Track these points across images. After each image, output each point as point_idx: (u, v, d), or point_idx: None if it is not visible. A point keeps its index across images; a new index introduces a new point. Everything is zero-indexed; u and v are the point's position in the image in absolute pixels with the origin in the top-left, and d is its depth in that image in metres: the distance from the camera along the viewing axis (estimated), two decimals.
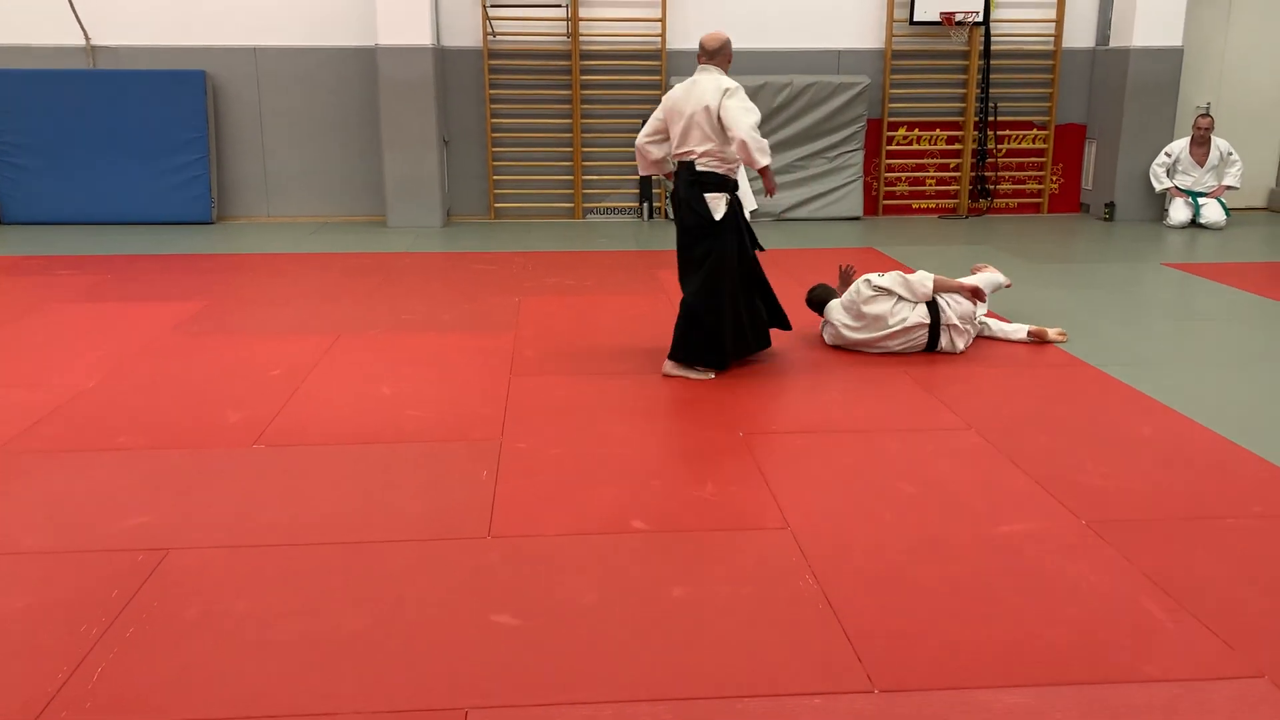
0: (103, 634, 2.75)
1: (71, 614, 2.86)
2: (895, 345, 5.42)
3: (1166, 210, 9.94)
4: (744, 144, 4.73)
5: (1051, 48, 10.30)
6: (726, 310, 5.01)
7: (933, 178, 10.56)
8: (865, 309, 5.41)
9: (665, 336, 5.76)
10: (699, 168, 4.93)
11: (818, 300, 5.70)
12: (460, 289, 7.11)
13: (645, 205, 10.15)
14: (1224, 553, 3.26)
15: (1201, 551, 3.26)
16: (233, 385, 4.93)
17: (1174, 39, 9.80)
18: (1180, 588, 3.02)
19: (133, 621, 2.82)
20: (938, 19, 9.87)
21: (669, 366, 5.11)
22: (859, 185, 10.16)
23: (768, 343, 5.34)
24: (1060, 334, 5.69)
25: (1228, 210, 9.81)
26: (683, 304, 5.10)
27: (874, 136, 10.33)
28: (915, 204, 10.60)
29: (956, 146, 10.48)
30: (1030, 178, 10.63)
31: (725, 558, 3.24)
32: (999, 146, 10.47)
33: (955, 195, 10.59)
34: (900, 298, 5.39)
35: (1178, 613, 2.88)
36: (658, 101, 9.95)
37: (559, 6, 9.75)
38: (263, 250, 8.57)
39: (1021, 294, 6.90)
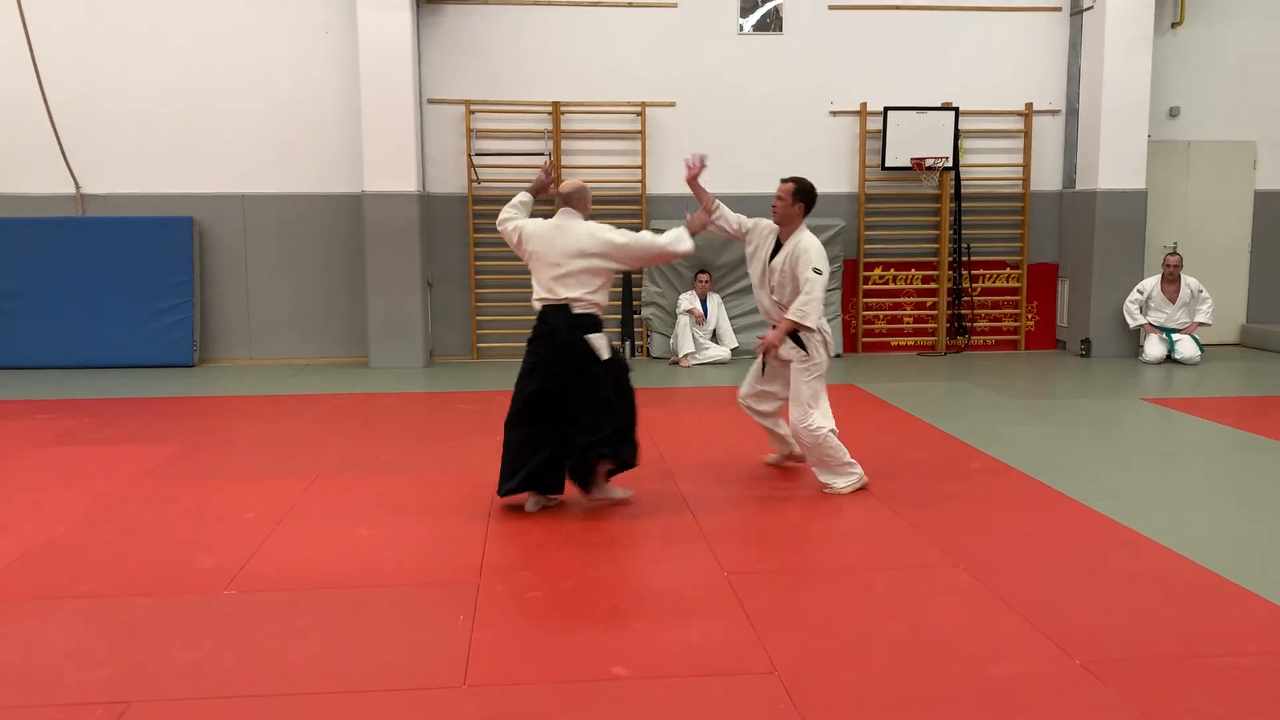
0: None
1: None
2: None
3: (1142, 346, 10.09)
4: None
5: (1020, 190, 10.63)
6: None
7: (910, 316, 10.72)
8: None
9: (650, 476, 5.72)
10: (576, 310, 4.99)
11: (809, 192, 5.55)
12: (441, 429, 7.07)
13: (627, 343, 10.22)
14: (1222, 693, 3.16)
15: (1200, 692, 3.17)
16: (206, 530, 4.82)
17: (1137, 182, 10.14)
18: None
19: None
20: (908, 164, 10.19)
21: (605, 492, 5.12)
22: (837, 324, 10.30)
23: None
24: None
25: (1201, 346, 9.97)
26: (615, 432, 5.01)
27: (851, 276, 10.53)
28: (894, 341, 10.72)
29: (932, 285, 10.68)
30: (1006, 315, 10.81)
31: (711, 705, 3.12)
32: (974, 285, 10.68)
33: (933, 333, 10.74)
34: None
35: None
36: None
37: (542, 155, 10.03)
38: (242, 393, 8.54)
39: (1004, 430, 6.92)
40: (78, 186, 9.76)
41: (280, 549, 4.54)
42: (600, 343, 5.01)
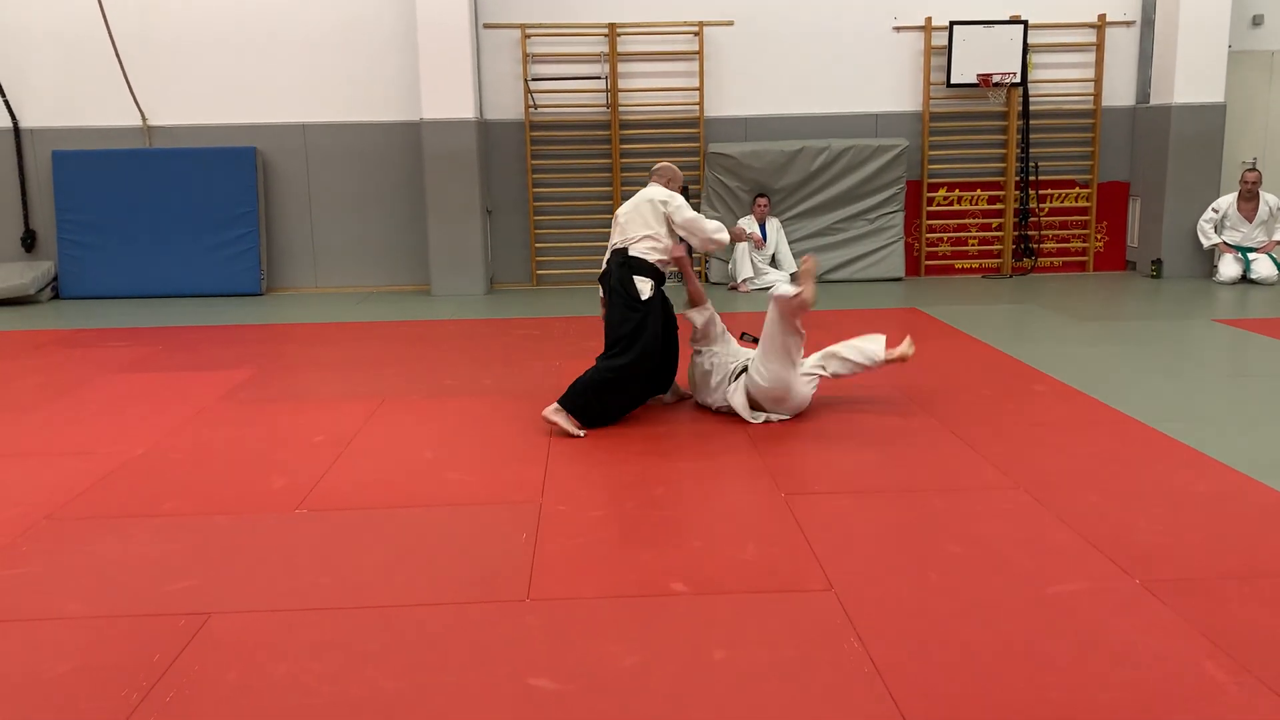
0: (143, 699, 2.75)
1: (113, 678, 2.86)
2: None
3: (1216, 266, 9.81)
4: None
5: (1091, 106, 10.29)
6: (630, 385, 5.28)
7: (975, 238, 10.52)
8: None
9: None
10: (632, 253, 5.33)
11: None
12: (502, 354, 7.16)
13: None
14: None
15: (1263, 611, 3.14)
16: (277, 452, 4.98)
17: (1215, 95, 9.76)
18: (1242, 649, 2.90)
19: (173, 686, 2.82)
20: (975, 81, 9.91)
21: (551, 411, 5.18)
22: (900, 246, 10.15)
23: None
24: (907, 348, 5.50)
25: (1279, 265, 9.65)
26: (599, 368, 5.28)
27: (914, 197, 10.34)
28: (958, 264, 10.55)
29: (998, 206, 10.45)
30: (1074, 236, 10.55)
31: (767, 620, 3.18)
32: (1041, 205, 10.43)
33: (998, 255, 10.53)
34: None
35: (1241, 675, 2.77)
36: (697, 167, 10.16)
37: (598, 79, 9.94)
38: (309, 320, 8.71)
39: (1069, 352, 6.81)
40: (144, 119, 9.91)
41: (349, 470, 4.67)
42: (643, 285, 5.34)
